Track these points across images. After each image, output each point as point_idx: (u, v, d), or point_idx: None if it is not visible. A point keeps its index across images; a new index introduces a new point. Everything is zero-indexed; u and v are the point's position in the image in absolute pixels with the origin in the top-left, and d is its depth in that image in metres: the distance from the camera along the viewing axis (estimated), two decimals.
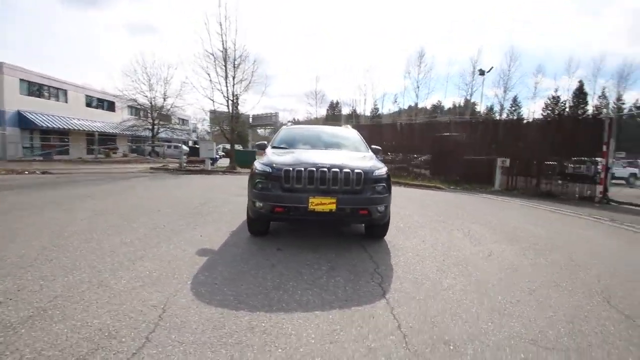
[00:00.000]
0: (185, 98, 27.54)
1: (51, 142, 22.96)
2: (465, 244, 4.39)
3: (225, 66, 17.10)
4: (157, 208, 5.98)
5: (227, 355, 1.83)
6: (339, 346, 1.96)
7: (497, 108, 53.12)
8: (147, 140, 29.01)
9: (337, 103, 63.77)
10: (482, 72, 33.42)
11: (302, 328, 2.14)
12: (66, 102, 25.55)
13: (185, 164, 16.83)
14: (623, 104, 43.68)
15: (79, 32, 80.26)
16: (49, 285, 2.63)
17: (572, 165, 11.56)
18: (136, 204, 6.39)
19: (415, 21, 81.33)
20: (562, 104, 47.17)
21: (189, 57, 29.30)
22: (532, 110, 52.26)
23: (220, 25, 16.77)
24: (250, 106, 26.50)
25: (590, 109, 45.88)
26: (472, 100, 53.51)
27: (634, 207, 8.64)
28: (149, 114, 27.28)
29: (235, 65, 17.33)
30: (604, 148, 9.74)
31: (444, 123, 19.21)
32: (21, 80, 21.97)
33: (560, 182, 10.89)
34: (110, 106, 30.26)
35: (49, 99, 24.41)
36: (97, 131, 24.90)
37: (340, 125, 7.11)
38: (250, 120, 46.40)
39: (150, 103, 26.78)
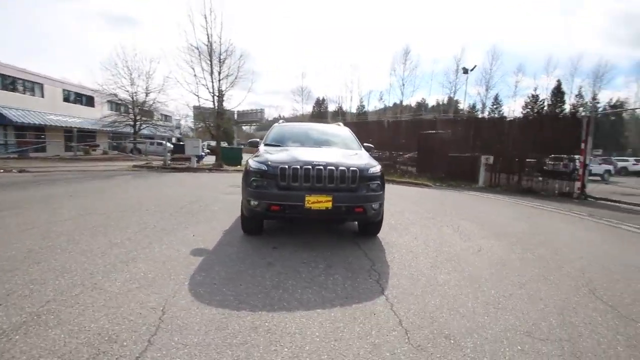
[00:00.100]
0: (169, 93, 26.98)
1: (27, 139, 21.98)
2: (455, 240, 4.50)
3: (211, 61, 16.80)
4: (145, 207, 5.84)
5: (233, 356, 1.82)
6: (344, 343, 1.98)
7: (479, 106, 54.40)
8: (129, 137, 28.19)
9: (324, 100, 63.75)
10: (465, 71, 34.09)
11: (305, 326, 2.15)
12: (42, 96, 24.51)
13: (169, 162, 16.46)
14: (598, 102, 45.57)
15: (51, 23, 76.98)
16: (39, 289, 2.54)
17: (551, 163, 12.01)
18: (122, 203, 6.23)
19: (401, 19, 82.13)
20: (541, 103, 48.77)
21: (172, 51, 28.71)
22: (513, 108, 53.74)
23: (205, 18, 16.46)
24: (236, 102, 26.07)
25: (567, 107, 47.58)
26: (455, 98, 54.54)
27: (609, 203, 9.05)
28: (131, 110, 26.48)
29: (221, 60, 17.07)
30: (582, 146, 10.14)
31: (430, 121, 19.54)
32: None
33: (540, 178, 11.28)
34: (89, 101, 29.23)
35: (24, 93, 23.35)
36: (76, 127, 24.01)
37: (327, 122, 7.12)
38: (236, 116, 45.78)
39: (132, 98, 26.00)
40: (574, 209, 7.68)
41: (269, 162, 3.74)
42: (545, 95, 50.22)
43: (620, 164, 25.14)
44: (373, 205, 3.78)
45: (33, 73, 23.94)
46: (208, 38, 16.54)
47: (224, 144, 24.51)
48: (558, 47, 76.58)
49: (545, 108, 47.44)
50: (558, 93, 49.44)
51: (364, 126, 20.72)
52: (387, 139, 16.12)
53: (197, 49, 16.52)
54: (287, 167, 3.60)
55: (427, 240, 4.40)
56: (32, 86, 24.04)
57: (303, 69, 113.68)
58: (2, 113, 20.50)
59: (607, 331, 2.27)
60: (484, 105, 53.79)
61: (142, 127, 27.71)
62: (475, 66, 35.75)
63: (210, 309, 2.33)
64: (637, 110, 51.88)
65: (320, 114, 58.30)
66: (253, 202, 3.69)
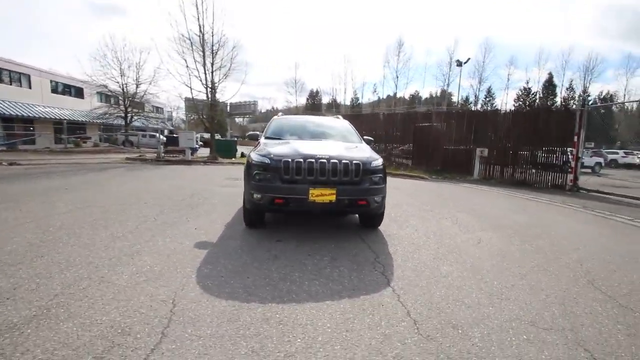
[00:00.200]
0: (160, 85, 26.53)
1: (15, 131, 21.47)
2: (455, 232, 4.57)
3: (203, 52, 16.50)
4: (143, 200, 5.80)
5: (247, 347, 1.85)
6: (355, 334, 2.02)
7: (472, 99, 54.67)
8: (120, 129, 27.74)
9: (317, 92, 63.43)
10: (459, 63, 34.12)
11: (316, 318, 2.18)
12: (29, 87, 23.88)
13: (163, 154, 16.28)
14: (588, 95, 46.13)
15: (33, 13, 74.64)
16: (46, 283, 2.52)
17: (544, 155, 12.18)
18: (119, 196, 6.16)
19: (395, 11, 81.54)
20: (533, 95, 49.18)
21: (163, 42, 28.16)
22: (505, 101, 54.18)
23: (197, 8, 16.13)
24: (230, 94, 25.63)
25: (558, 100, 48.11)
26: (449, 91, 54.70)
27: (601, 195, 9.24)
28: (122, 101, 26.00)
29: (214, 52, 16.79)
30: (575, 138, 10.29)
31: (425, 113, 19.59)
32: None
33: (534, 171, 11.44)
34: (78, 93, 28.56)
35: (10, 84, 22.71)
36: (66, 119, 23.52)
37: (321, 114, 7.11)
38: (228, 108, 45.30)
39: (122, 89, 25.51)
40: (568, 201, 7.83)
41: (272, 155, 3.73)
42: (537, 88, 50.75)
43: (610, 157, 25.64)
44: (376, 198, 3.81)
45: (19, 64, 23.26)
46: (200, 28, 16.24)
47: (217, 136, 24.30)
48: (549, 40, 77.01)
49: (537, 101, 47.91)
50: (549, 86, 49.96)
51: (359, 118, 20.69)
52: (381, 131, 16.14)
53: (189, 39, 16.23)
54: (290, 160, 3.60)
55: (427, 233, 4.46)
56: (19, 77, 23.39)
57: (296, 61, 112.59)
58: None
59: (607, 320, 2.35)
60: (476, 97, 54.14)
61: (133, 119, 27.28)
62: (469, 59, 35.78)
63: (220, 301, 2.35)
64: (627, 103, 52.74)
65: (314, 106, 58.03)
66: (256, 195, 3.68)
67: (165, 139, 20.42)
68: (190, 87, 16.75)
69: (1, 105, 20.56)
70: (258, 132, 5.17)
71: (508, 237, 4.44)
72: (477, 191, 9.18)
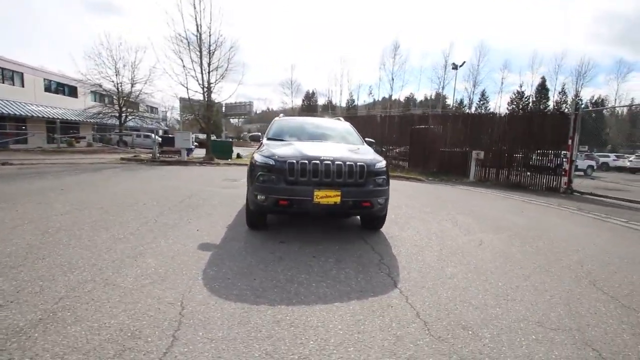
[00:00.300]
0: (156, 84, 26.25)
1: (7, 130, 21.10)
2: (456, 234, 4.60)
3: (200, 52, 16.40)
4: (142, 201, 5.73)
5: (260, 350, 1.84)
6: (367, 335, 2.02)
7: (466, 102, 55.19)
8: (114, 129, 27.43)
9: (313, 93, 63.48)
10: (455, 67, 34.45)
11: (327, 320, 2.18)
12: (22, 86, 23.50)
13: (158, 155, 16.14)
14: (580, 100, 46.84)
15: (26, 10, 73.63)
16: (49, 285, 2.48)
17: (539, 158, 12.33)
18: (117, 197, 6.09)
19: (391, 13, 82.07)
20: (526, 99, 49.81)
21: (159, 41, 27.95)
22: (499, 104, 54.80)
23: (194, 7, 16.05)
24: (226, 95, 25.48)
25: (551, 104, 48.80)
26: (443, 94, 55.15)
27: (595, 197, 9.38)
28: (116, 101, 25.70)
29: (211, 52, 16.71)
30: (570, 142, 10.44)
31: (421, 115, 19.72)
32: None
33: (529, 173, 11.57)
34: (72, 91, 28.20)
35: (2, 82, 22.34)
36: (59, 118, 23.19)
37: (318, 116, 7.11)
38: (224, 109, 45.10)
39: (117, 89, 25.24)
40: (564, 204, 7.93)
41: (276, 157, 3.72)
42: (530, 91, 51.42)
43: (601, 160, 26.06)
44: (379, 200, 3.82)
45: (12, 61, 22.90)
46: (197, 28, 16.15)
47: (213, 137, 24.14)
48: (543, 45, 78.32)
49: (530, 104, 48.55)
50: (542, 90, 50.67)
51: (355, 120, 20.70)
52: (378, 133, 16.20)
53: (186, 39, 16.14)
54: (295, 161, 3.59)
55: (429, 234, 4.49)
56: (12, 75, 23.01)
57: (292, 62, 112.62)
58: None
59: (612, 320, 2.38)
60: (471, 100, 54.68)
61: (127, 119, 27.01)
62: (464, 62, 36.21)
63: (229, 303, 2.33)
64: (618, 107, 53.68)
65: (309, 107, 58.06)
66: (260, 197, 3.67)
67: (160, 139, 20.21)
68: (187, 87, 16.66)
69: None
70: (259, 134, 5.15)
71: (508, 238, 4.49)
72: (474, 193, 9.26)
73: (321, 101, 62.10)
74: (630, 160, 25.76)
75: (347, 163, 3.65)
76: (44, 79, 25.98)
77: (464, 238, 4.40)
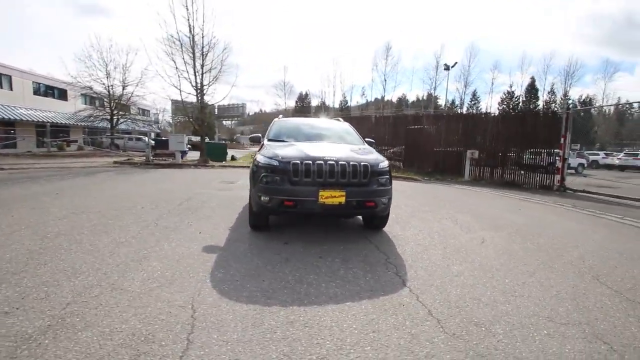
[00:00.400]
0: (148, 86, 25.93)
1: None
2: (457, 232, 4.64)
3: (193, 53, 16.30)
4: (140, 205, 5.66)
5: (277, 351, 1.82)
6: (382, 334, 2.02)
7: (457, 102, 55.78)
8: (105, 132, 27.03)
9: (306, 95, 63.51)
10: (447, 67, 34.80)
11: (340, 320, 2.17)
12: (11, 89, 23.02)
13: (152, 158, 15.96)
14: (569, 99, 47.70)
15: (13, 11, 72.30)
16: (55, 291, 2.43)
17: (532, 157, 12.51)
18: (113, 200, 6.00)
19: (383, 14, 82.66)
20: (516, 99, 50.55)
21: (150, 43, 27.68)
22: (489, 104, 55.52)
23: (187, 8, 15.94)
24: (220, 97, 25.48)
25: (540, 103, 49.60)
26: (435, 94, 55.67)
27: (588, 195, 9.55)
28: (108, 104, 25.32)
29: (204, 53, 16.60)
30: (562, 140, 10.62)
31: (416, 116, 19.86)
32: None
33: (522, 172, 11.73)
34: (61, 94, 27.69)
35: None
36: (49, 122, 22.78)
37: (311, 117, 7.11)
38: (216, 111, 44.84)
39: (108, 91, 24.88)
40: (558, 201, 8.06)
41: (280, 157, 3.71)
42: (520, 91, 52.21)
43: (591, 158, 26.57)
44: (383, 200, 3.83)
45: (0, 64, 22.45)
46: (190, 30, 16.04)
47: (206, 139, 23.94)
48: (532, 45, 79.73)
49: (521, 104, 49.28)
50: (532, 90, 51.49)
51: (349, 121, 20.73)
52: (372, 133, 16.24)
53: (179, 40, 16.01)
54: (299, 162, 3.58)
55: (431, 233, 4.51)
56: None
57: (285, 64, 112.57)
58: None
59: (619, 314, 2.42)
60: (462, 101, 55.29)
61: (119, 122, 26.64)
62: (456, 63, 36.62)
63: (241, 305, 2.31)
64: (605, 107, 54.80)
65: (302, 109, 58.05)
66: (264, 198, 3.65)
67: (153, 142, 19.97)
68: (180, 89, 16.52)
69: None
70: (259, 135, 5.13)
71: (509, 236, 4.54)
72: (469, 192, 9.35)
73: (314, 102, 62.21)
74: (619, 158, 26.29)
75: (351, 163, 3.66)
76: (33, 82, 25.49)
77: (465, 236, 4.44)
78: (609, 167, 25.93)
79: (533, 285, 2.88)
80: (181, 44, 16.10)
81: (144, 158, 16.06)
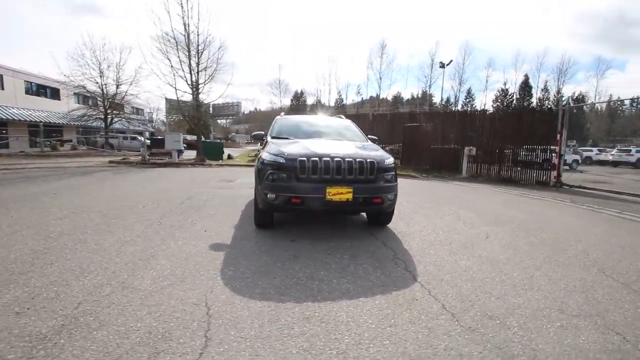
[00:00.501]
0: (142, 85, 25.70)
1: None
2: (461, 228, 4.67)
3: (189, 51, 16.15)
4: (141, 204, 5.60)
5: (297, 347, 1.82)
6: (399, 329, 2.02)
7: (452, 100, 56.04)
8: (99, 131, 26.74)
9: (302, 93, 63.42)
10: (442, 65, 34.95)
11: (356, 315, 2.18)
12: (2, 88, 22.65)
13: (148, 157, 15.83)
14: (562, 96, 48.16)
15: (3, 10, 71.03)
16: (65, 290, 2.39)
17: (528, 154, 12.63)
18: (113, 200, 5.94)
19: (378, 12, 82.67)
20: (510, 96, 50.94)
21: (146, 41, 27.35)
22: (484, 102, 55.86)
23: (182, 6, 15.79)
24: (215, 95, 25.18)
25: (534, 101, 50.03)
26: (430, 92, 55.87)
27: (585, 190, 9.67)
28: (102, 103, 25.02)
29: (199, 51, 16.46)
30: (558, 137, 10.73)
31: (413, 113, 19.90)
32: None
33: (519, 168, 11.84)
34: (54, 94, 27.34)
35: None
36: (42, 121, 22.45)
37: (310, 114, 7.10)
38: (211, 110, 44.57)
39: (102, 90, 24.59)
40: (557, 197, 8.15)
41: (286, 155, 3.70)
42: (514, 89, 52.63)
43: (585, 154, 26.91)
44: (389, 196, 3.84)
45: None
46: (185, 27, 15.90)
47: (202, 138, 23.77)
48: (526, 43, 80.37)
49: (515, 102, 49.67)
50: (526, 87, 51.93)
51: (348, 119, 20.77)
52: (369, 131, 16.27)
53: (174, 38, 15.86)
54: (306, 159, 3.57)
55: (435, 229, 4.54)
56: None
57: (280, 62, 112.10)
58: None
59: (628, 305, 2.46)
60: (457, 98, 55.57)
61: (114, 121, 26.37)
62: (451, 60, 36.82)
63: (255, 302, 2.30)
64: (597, 104, 55.43)
65: (298, 107, 57.93)
66: (270, 195, 3.63)
67: (149, 141, 19.79)
68: (175, 88, 16.39)
69: None
70: (262, 132, 5.10)
71: (512, 231, 4.58)
72: (468, 189, 9.41)
73: (310, 101, 62.14)
74: (612, 154, 26.66)
75: (358, 160, 3.66)
76: (25, 81, 25.11)
77: (469, 232, 4.47)
78: (602, 163, 26.29)
79: (541, 279, 2.91)
80: (176, 42, 15.98)
81: (140, 157, 15.94)
